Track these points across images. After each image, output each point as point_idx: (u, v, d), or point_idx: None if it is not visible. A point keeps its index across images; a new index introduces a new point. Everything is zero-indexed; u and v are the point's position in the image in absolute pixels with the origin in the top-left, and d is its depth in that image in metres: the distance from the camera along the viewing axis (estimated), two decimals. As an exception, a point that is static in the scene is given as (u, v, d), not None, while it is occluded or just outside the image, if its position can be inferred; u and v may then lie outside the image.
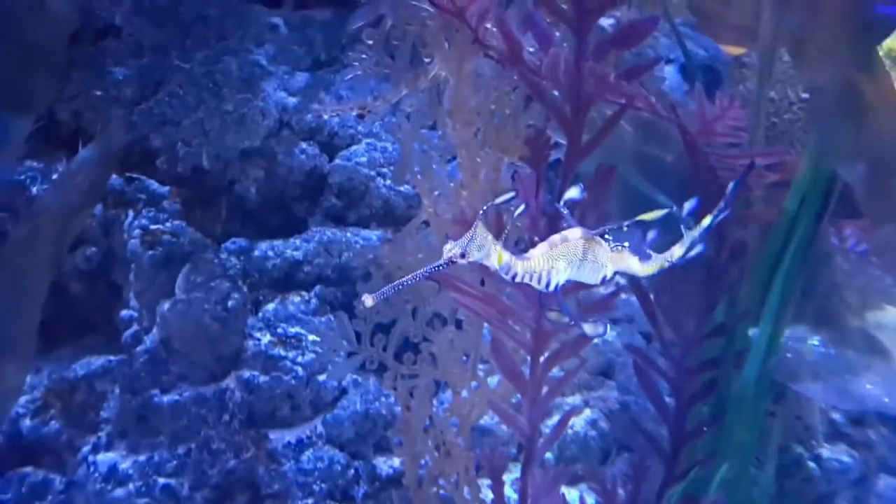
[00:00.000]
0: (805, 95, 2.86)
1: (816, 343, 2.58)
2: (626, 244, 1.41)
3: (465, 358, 2.35)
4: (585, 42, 1.89)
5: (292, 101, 3.52)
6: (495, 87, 2.27)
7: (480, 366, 2.34)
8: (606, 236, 1.41)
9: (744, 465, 2.43)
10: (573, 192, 1.40)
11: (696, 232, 1.50)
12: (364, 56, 2.21)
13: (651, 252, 1.47)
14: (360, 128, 3.61)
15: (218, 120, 3.29)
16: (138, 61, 3.34)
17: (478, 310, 1.97)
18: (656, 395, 2.31)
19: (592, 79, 1.89)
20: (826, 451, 3.18)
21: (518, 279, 1.30)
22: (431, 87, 2.33)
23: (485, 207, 1.27)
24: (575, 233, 1.34)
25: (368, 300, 1.20)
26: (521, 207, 1.42)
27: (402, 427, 2.51)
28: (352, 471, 2.94)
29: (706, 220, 1.50)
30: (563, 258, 1.32)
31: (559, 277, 1.33)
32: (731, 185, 1.57)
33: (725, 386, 2.39)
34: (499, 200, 1.31)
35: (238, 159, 3.36)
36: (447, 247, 1.23)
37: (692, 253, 1.50)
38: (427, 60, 2.27)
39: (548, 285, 1.32)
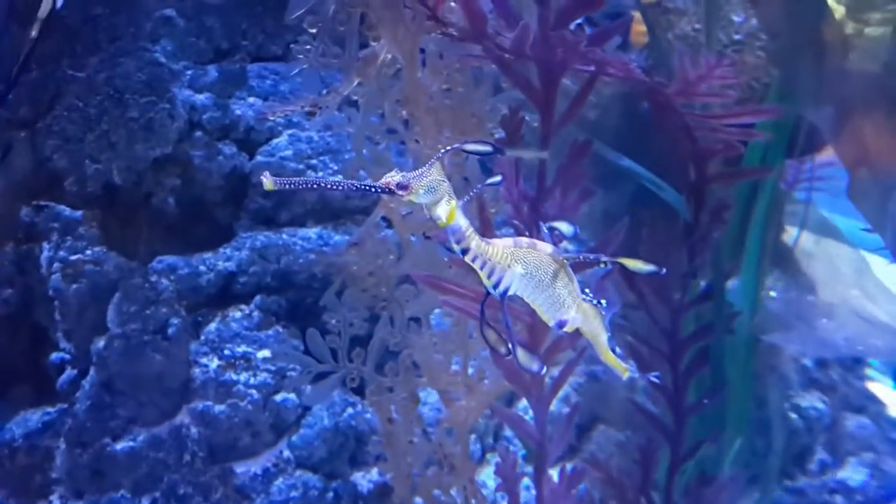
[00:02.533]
0: (737, 37, 2.89)
1: (775, 294, 2.63)
2: (604, 304, 1.27)
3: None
4: (549, 10, 1.85)
5: (200, 98, 3.37)
6: (444, 66, 2.22)
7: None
8: (582, 261, 1.31)
9: (749, 432, 2.46)
10: (564, 227, 1.27)
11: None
12: (309, 47, 2.11)
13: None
14: (278, 119, 3.50)
15: (124, 129, 3.13)
16: (27, 76, 3.14)
17: (467, 308, 1.93)
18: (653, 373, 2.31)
19: (561, 48, 1.86)
20: (803, 400, 3.26)
21: (469, 257, 1.17)
22: (378, 73, 2.26)
23: (446, 148, 1.14)
24: (546, 247, 1.22)
25: (269, 183, 1.05)
26: (498, 178, 1.25)
27: (385, 442, 2.47)
28: (330, 493, 2.87)
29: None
30: (523, 265, 1.20)
31: (512, 283, 1.20)
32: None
33: (718, 352, 2.41)
34: (469, 147, 1.15)
35: (151, 169, 3.21)
36: (391, 173, 1.09)
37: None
38: (374, 44, 2.20)
39: (497, 285, 1.19)
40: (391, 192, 1.09)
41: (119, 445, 2.69)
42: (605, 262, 1.24)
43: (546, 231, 1.26)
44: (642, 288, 2.29)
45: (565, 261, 1.23)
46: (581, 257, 1.28)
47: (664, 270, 1.25)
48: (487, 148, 1.16)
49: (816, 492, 3.08)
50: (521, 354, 1.24)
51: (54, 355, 2.90)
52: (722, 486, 2.12)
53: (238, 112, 3.41)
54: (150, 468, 2.68)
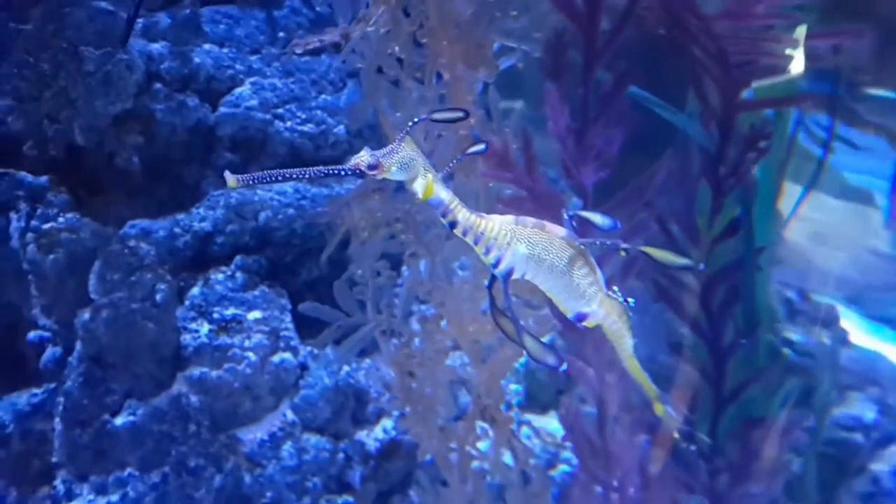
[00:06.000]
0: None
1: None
2: (631, 303, 1.21)
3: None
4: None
5: (156, 47, 3.22)
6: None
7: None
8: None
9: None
10: (598, 219, 1.21)
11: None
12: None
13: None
14: (238, 66, 3.37)
15: (82, 84, 2.97)
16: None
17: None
18: (685, 311, 2.30)
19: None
20: (793, 334, 3.25)
21: (458, 231, 1.12)
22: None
23: (416, 119, 1.10)
24: (557, 230, 1.16)
25: (231, 181, 1.01)
26: (482, 146, 1.18)
27: (405, 397, 2.43)
28: (341, 455, 2.82)
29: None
30: (528, 245, 1.14)
31: (516, 264, 1.14)
32: None
33: (750, 288, 2.41)
34: (438, 116, 1.14)
35: (112, 127, 3.06)
36: (360, 153, 1.06)
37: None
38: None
39: (497, 264, 1.14)
40: (362, 173, 1.06)
41: (119, 421, 2.58)
42: (625, 251, 1.16)
43: (566, 218, 1.19)
44: (668, 225, 2.27)
45: (583, 248, 1.16)
46: (598, 243, 1.17)
47: (703, 266, 1.19)
48: (458, 114, 1.14)
49: (829, 430, 3.06)
50: (533, 346, 1.15)
51: (32, 334, 2.77)
52: (777, 428, 2.12)
53: (197, 60, 3.28)
54: (156, 442, 2.58)
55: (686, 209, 2.25)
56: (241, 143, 3.26)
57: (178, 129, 3.18)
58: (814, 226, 2.97)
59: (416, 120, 1.09)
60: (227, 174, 1.01)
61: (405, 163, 1.07)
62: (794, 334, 3.21)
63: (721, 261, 2.30)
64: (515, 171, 1.82)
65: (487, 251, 1.14)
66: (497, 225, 1.13)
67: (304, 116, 3.36)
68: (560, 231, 1.16)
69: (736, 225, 2.30)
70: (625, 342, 1.25)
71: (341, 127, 3.39)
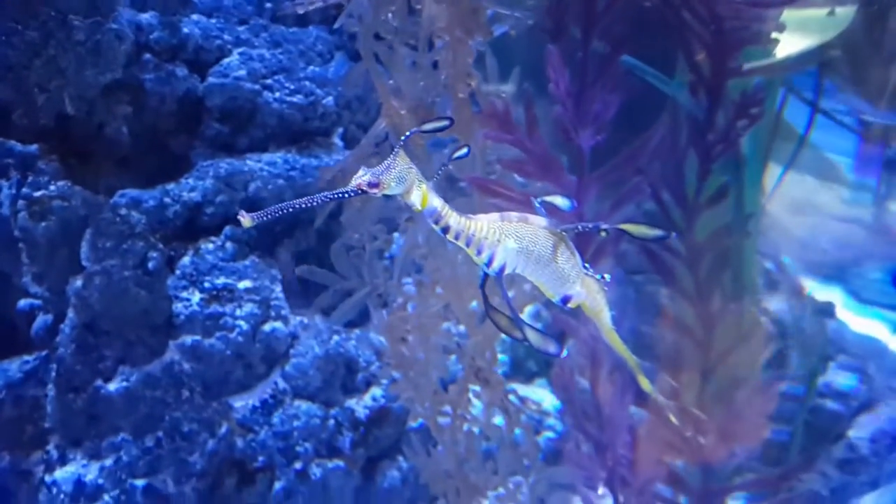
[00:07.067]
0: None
1: None
2: (607, 278, 1.26)
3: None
4: None
5: (145, 17, 3.22)
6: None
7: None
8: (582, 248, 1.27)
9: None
10: (559, 201, 1.28)
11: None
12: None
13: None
14: (226, 36, 3.37)
15: (72, 54, 2.97)
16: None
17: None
18: (672, 276, 2.34)
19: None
20: (772, 305, 3.29)
21: (450, 236, 1.16)
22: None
23: (407, 134, 1.14)
24: (539, 220, 1.20)
25: (246, 220, 1.06)
26: (464, 150, 1.22)
27: (399, 363, 2.46)
28: (332, 421, 2.86)
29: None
30: (516, 239, 1.18)
31: (507, 259, 1.18)
32: None
33: (738, 254, 2.44)
34: (427, 127, 1.18)
35: (101, 97, 3.06)
36: (359, 173, 1.10)
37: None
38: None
39: (489, 262, 1.17)
40: (363, 192, 1.09)
41: (112, 387, 2.60)
42: (605, 231, 1.22)
43: (538, 205, 1.25)
44: (659, 191, 2.30)
45: (564, 233, 1.21)
46: (579, 227, 1.23)
47: (674, 234, 1.24)
48: (444, 123, 1.17)
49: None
50: (534, 336, 1.20)
51: (23, 302, 2.77)
52: (758, 390, 2.17)
53: (185, 30, 3.28)
54: (149, 408, 2.60)
55: (675, 176, 2.28)
56: (229, 114, 3.26)
57: (167, 100, 3.18)
58: (794, 201, 3.02)
59: (407, 134, 1.13)
60: (241, 213, 1.05)
61: (402, 176, 1.10)
62: (772, 304, 3.26)
63: (708, 228, 2.35)
64: (516, 133, 1.85)
65: (479, 251, 1.18)
66: (485, 224, 1.18)
67: (292, 87, 3.37)
68: (542, 221, 1.21)
69: (724, 192, 2.34)
70: (603, 316, 1.30)
71: (330, 98, 3.40)
